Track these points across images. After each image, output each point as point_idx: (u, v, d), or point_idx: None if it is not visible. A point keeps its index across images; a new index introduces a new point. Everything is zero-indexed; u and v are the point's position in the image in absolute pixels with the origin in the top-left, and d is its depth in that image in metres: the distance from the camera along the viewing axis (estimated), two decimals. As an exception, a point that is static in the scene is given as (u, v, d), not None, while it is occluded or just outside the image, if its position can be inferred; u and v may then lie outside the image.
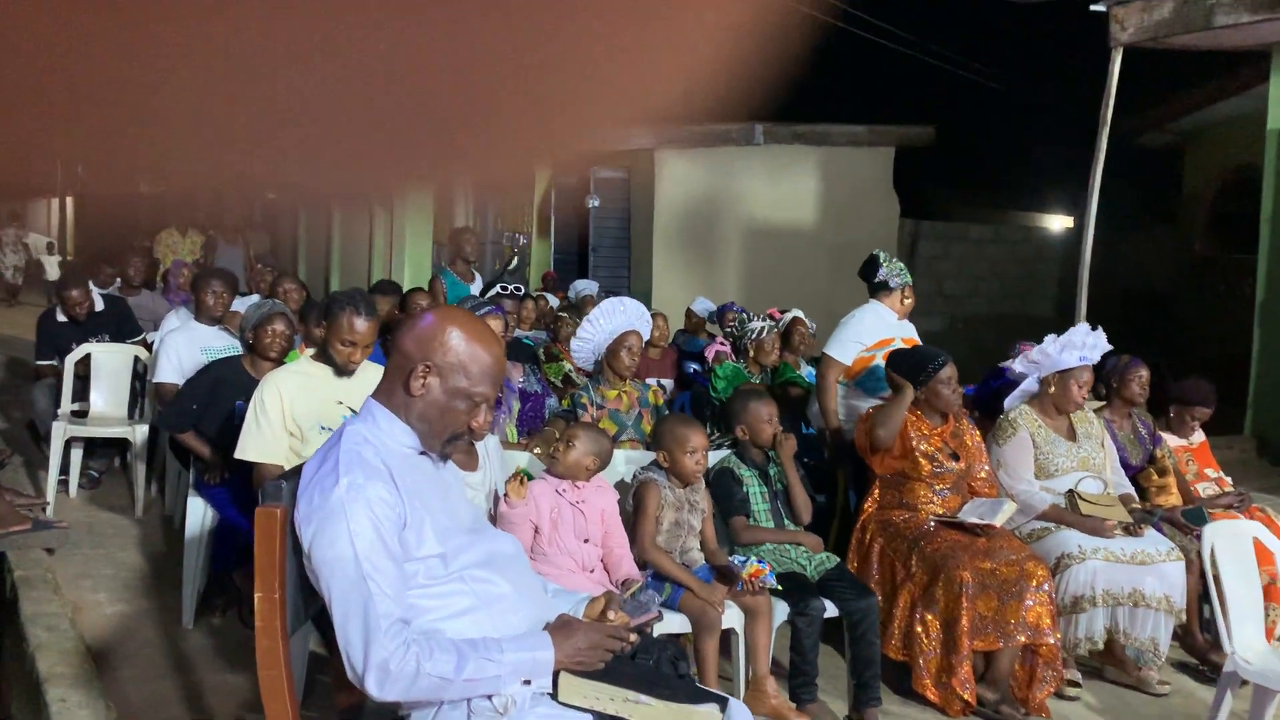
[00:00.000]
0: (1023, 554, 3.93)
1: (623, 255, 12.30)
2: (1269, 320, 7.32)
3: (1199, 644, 4.40)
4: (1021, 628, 3.82)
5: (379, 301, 4.91)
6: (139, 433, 5.54)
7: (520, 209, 15.44)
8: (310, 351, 3.81)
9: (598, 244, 12.26)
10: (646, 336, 4.51)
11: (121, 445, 5.95)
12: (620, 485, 3.61)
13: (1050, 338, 4.61)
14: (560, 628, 2.00)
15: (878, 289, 4.88)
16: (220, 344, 5.19)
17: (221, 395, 4.22)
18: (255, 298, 6.55)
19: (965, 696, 3.75)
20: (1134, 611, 4.06)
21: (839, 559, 3.75)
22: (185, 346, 5.12)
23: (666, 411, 4.52)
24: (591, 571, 3.16)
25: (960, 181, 15.83)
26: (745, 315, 5.55)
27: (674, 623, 3.19)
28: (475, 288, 6.58)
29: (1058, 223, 15.94)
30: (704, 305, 8.13)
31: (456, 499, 2.17)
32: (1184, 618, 4.19)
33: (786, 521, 3.75)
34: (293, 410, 3.63)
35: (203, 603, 4.16)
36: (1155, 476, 4.64)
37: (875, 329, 4.78)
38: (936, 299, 13.45)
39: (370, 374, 3.78)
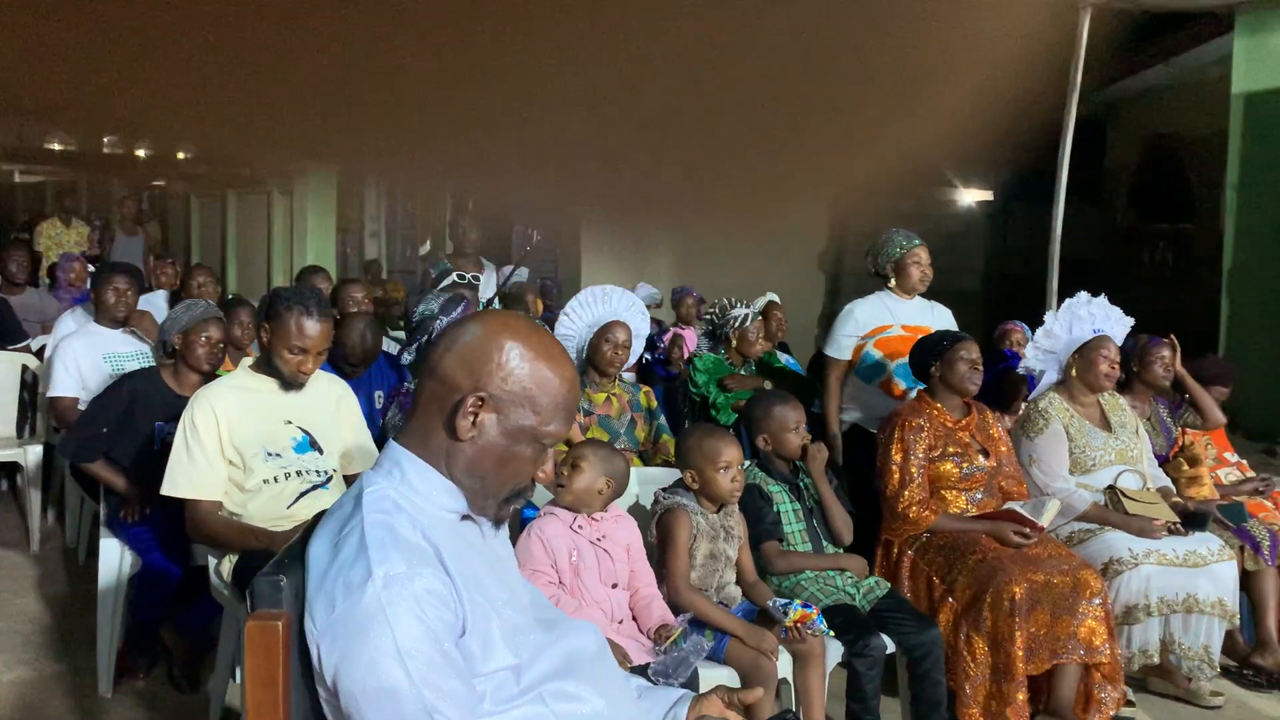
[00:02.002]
0: (1074, 562, 3.50)
1: (548, 238, 11.69)
2: (1236, 290, 7.11)
3: (1240, 646, 4.05)
4: (1076, 645, 3.39)
5: None
6: (31, 454, 4.77)
7: (434, 193, 14.69)
8: (249, 361, 3.15)
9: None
10: (641, 330, 3.95)
11: (9, 469, 5.16)
12: (632, 510, 3.06)
13: (1049, 316, 4.21)
14: None
15: (881, 280, 4.47)
16: (126, 349, 4.47)
17: (137, 415, 3.53)
18: (161, 294, 5.80)
19: (1020, 726, 3.31)
20: (1186, 618, 3.68)
21: (889, 584, 3.25)
22: (85, 353, 4.39)
23: (662, 415, 3.97)
24: (620, 623, 2.60)
25: (884, 156, 15.57)
26: (727, 302, 5.03)
27: (720, 677, 2.65)
28: (485, 285, 5.70)
29: (973, 197, 15.82)
30: (648, 292, 7.60)
31: (515, 580, 1.59)
32: (1236, 622, 3.82)
33: (825, 543, 3.24)
34: (231, 434, 2.98)
35: (121, 663, 3.48)
36: (1185, 466, 4.27)
37: (868, 318, 4.39)
38: (869, 280, 13.16)
39: (323, 387, 3.16)
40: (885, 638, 2.99)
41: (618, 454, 2.79)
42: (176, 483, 2.96)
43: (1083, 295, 4.21)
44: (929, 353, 3.79)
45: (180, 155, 22.15)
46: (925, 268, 4.42)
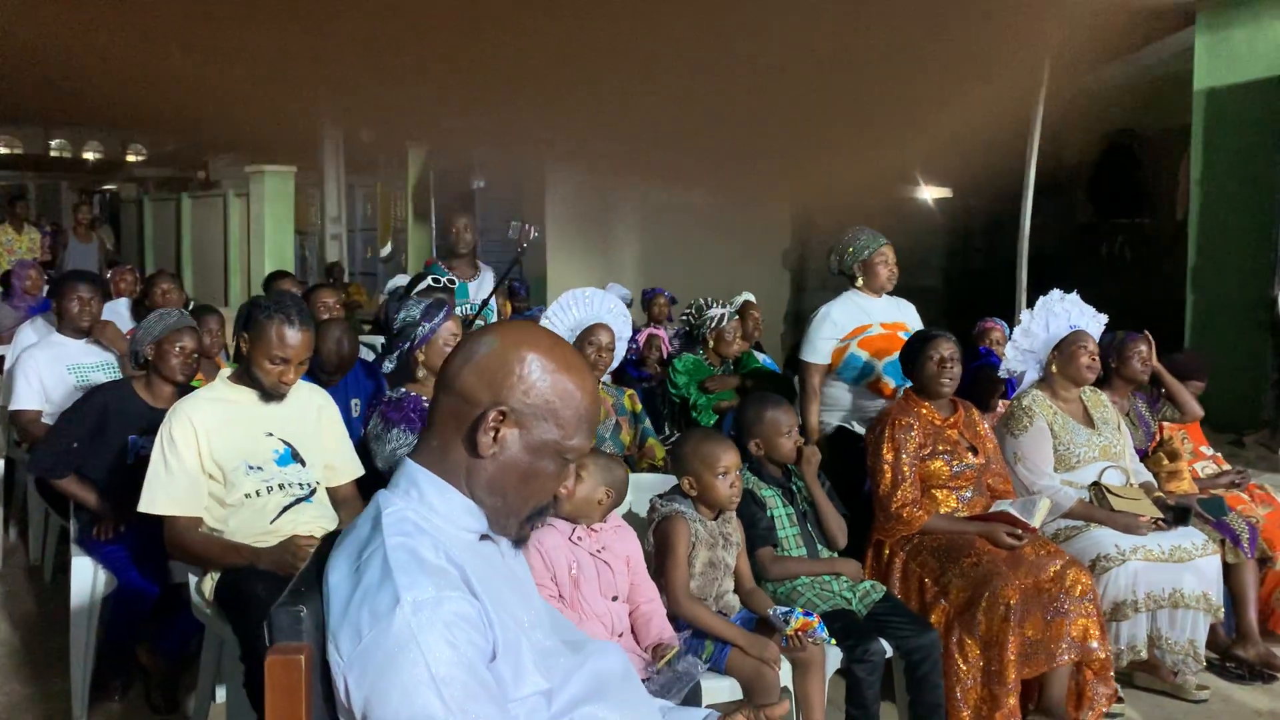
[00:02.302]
0: (1064, 560, 3.50)
1: (512, 239, 11.58)
2: (1201, 284, 7.19)
3: (1221, 639, 4.08)
4: (1069, 646, 3.39)
5: None
6: (-8, 468, 4.63)
7: (394, 194, 14.55)
8: (227, 372, 3.06)
9: (484, 227, 11.49)
10: (623, 332, 3.89)
11: (-33, 484, 4.99)
12: (625, 518, 3.00)
13: (1026, 315, 4.21)
14: None
15: (846, 280, 4.44)
16: (91, 360, 4.34)
17: (109, 429, 3.42)
18: (123, 302, 5.67)
19: (1010, 731, 3.30)
20: (1173, 613, 3.70)
21: (885, 587, 3.22)
22: (47, 365, 4.25)
23: (647, 419, 3.91)
24: (620, 635, 2.55)
25: (846, 153, 15.63)
26: (704, 302, 4.98)
27: (722, 689, 2.61)
28: (480, 287, 5.52)
29: (934, 194, 15.93)
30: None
31: (538, 602, 1.54)
32: (1221, 615, 3.85)
33: (820, 547, 3.20)
34: (211, 447, 2.89)
35: (96, 685, 3.37)
36: (1165, 461, 4.30)
37: (845, 319, 4.34)
38: (831, 277, 13.19)
39: (304, 397, 3.08)
40: (884, 642, 2.96)
41: (618, 462, 2.73)
42: (155, 499, 2.86)
43: (1056, 293, 4.21)
44: (906, 353, 3.78)
45: (131, 158, 21.75)
46: (893, 266, 4.42)
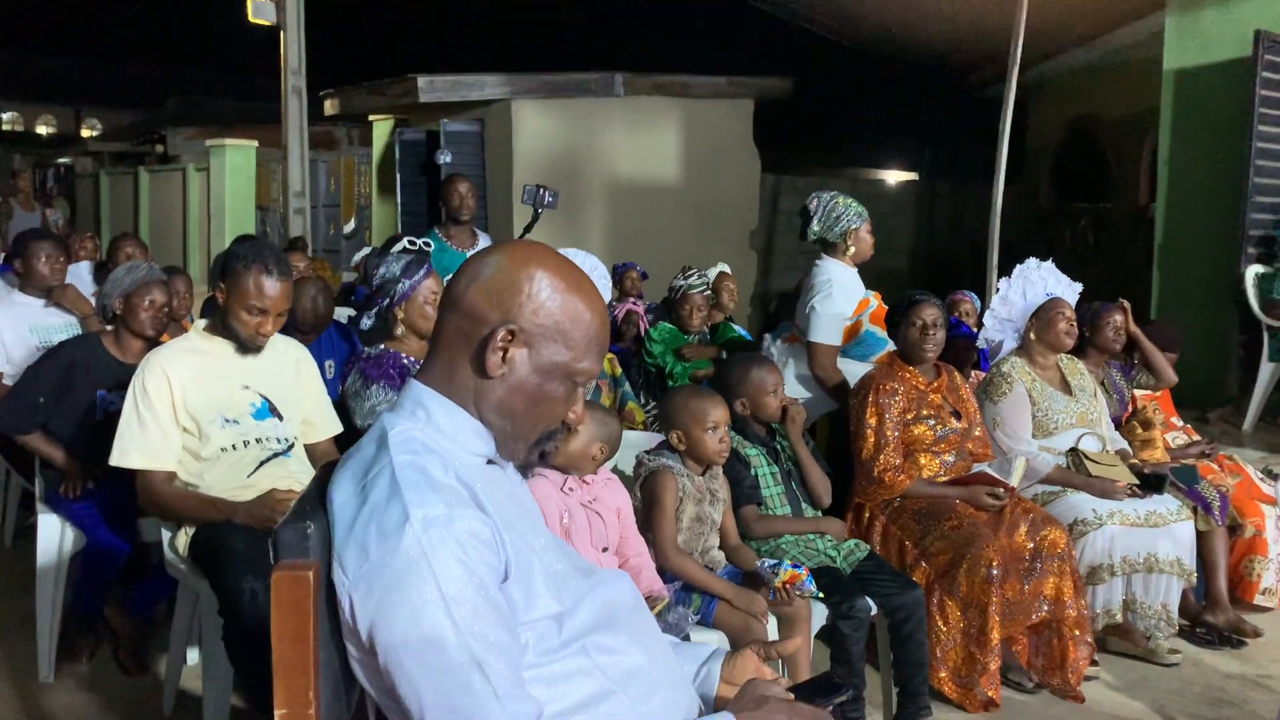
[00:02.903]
0: (1040, 518, 3.52)
1: (479, 213, 11.48)
2: (1168, 263, 7.27)
3: (1192, 605, 4.12)
4: (1041, 603, 3.42)
5: None
6: (-53, 432, 4.49)
7: (358, 166, 14.35)
8: (202, 323, 2.98)
9: (451, 205, 11.36)
10: (604, 295, 3.84)
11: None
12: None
13: (1004, 283, 4.23)
14: (751, 711, 1.36)
15: (825, 246, 4.27)
16: (55, 321, 4.22)
17: (76, 384, 3.33)
18: (85, 265, 5.52)
19: (990, 694, 3.32)
20: (1147, 577, 3.73)
21: (869, 546, 3.21)
22: (8, 325, 4.13)
23: (626, 382, 3.87)
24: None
25: (813, 138, 15.69)
26: (682, 272, 4.94)
27: (709, 641, 2.58)
28: None
29: (901, 177, 16.02)
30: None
31: (545, 529, 1.49)
32: (1194, 580, 3.89)
33: (805, 506, 3.19)
34: (185, 399, 2.81)
35: (63, 646, 3.28)
36: (1140, 430, 4.33)
37: (848, 296, 4.16)
38: (799, 256, 13.24)
39: (281, 350, 3.01)
40: (868, 600, 2.95)
41: (613, 417, 2.69)
42: (127, 452, 2.78)
43: (1033, 261, 4.23)
44: (891, 318, 3.77)
45: (87, 132, 21.36)
46: (872, 239, 4.34)
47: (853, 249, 4.21)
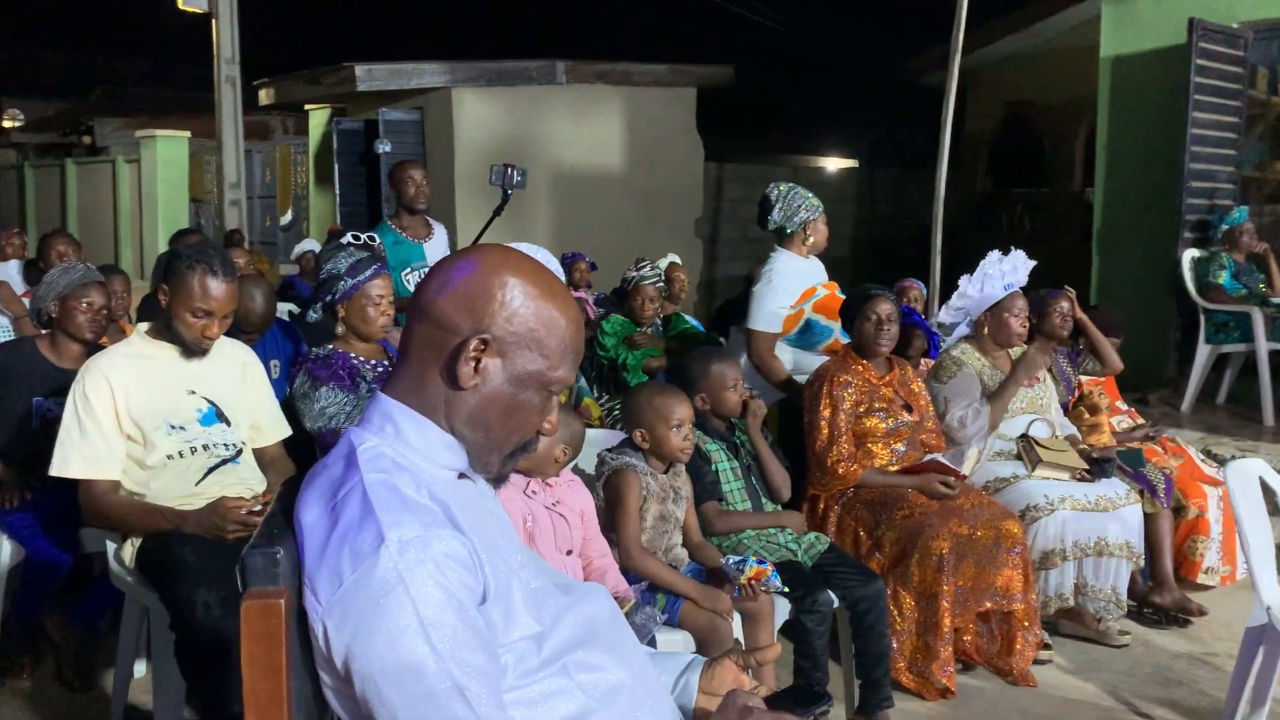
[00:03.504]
0: (996, 511, 3.56)
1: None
2: (1106, 248, 7.39)
3: (1139, 586, 4.20)
4: (991, 594, 3.45)
5: None
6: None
7: (294, 156, 14.10)
8: (145, 326, 2.88)
9: (391, 195, 11.20)
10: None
11: None
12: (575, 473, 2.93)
13: (964, 279, 4.24)
14: None
15: (781, 236, 4.29)
16: (-16, 324, 4.07)
17: (10, 390, 3.21)
18: (14, 265, 5.35)
19: (945, 682, 3.35)
20: (1097, 561, 3.79)
21: (829, 539, 3.21)
22: (-65, 328, 3.98)
23: (581, 378, 3.83)
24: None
25: (756, 126, 15.72)
26: (637, 263, 4.88)
27: (675, 642, 2.56)
28: (436, 247, 4.85)
29: (842, 164, 16.12)
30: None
31: (520, 542, 1.45)
32: (1142, 563, 3.96)
33: (765, 500, 3.18)
34: (129, 406, 2.72)
35: (3, 661, 3.17)
36: (1087, 415, 4.39)
37: (793, 285, 4.18)
38: (743, 244, 13.29)
39: (228, 353, 2.92)
40: (830, 593, 2.95)
41: (576, 418, 2.65)
42: (68, 461, 2.68)
43: (994, 255, 4.23)
44: (846, 312, 3.77)
45: (8, 123, 20.69)
46: (827, 230, 4.38)
47: (811, 239, 4.26)
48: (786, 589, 2.78)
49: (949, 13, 6.76)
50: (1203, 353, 6.25)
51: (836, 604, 2.99)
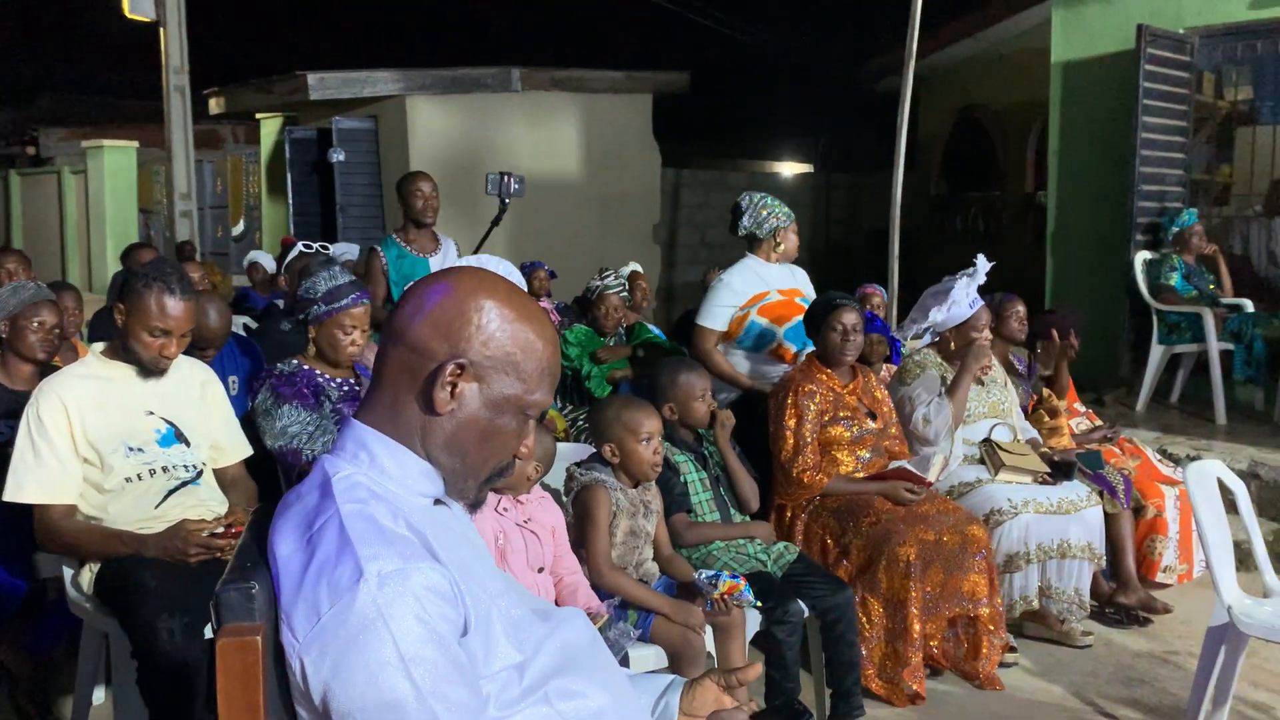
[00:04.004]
0: (960, 516, 3.58)
1: (375, 213, 11.26)
2: (1059, 251, 7.48)
3: (1101, 587, 4.25)
4: (957, 600, 3.48)
5: None
6: None
7: (246, 166, 13.92)
8: (100, 346, 2.82)
9: (345, 202, 11.10)
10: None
11: None
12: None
13: (929, 298, 4.24)
14: None
15: (750, 242, 4.35)
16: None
17: (-40, 413, 3.12)
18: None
19: (915, 687, 3.36)
20: (1061, 563, 3.83)
21: (798, 549, 3.21)
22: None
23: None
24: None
25: (711, 132, 15.77)
26: (599, 273, 4.88)
27: (647, 658, 2.55)
28: (444, 262, 4.63)
29: (797, 169, 16.23)
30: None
31: (497, 567, 1.43)
32: (1104, 564, 4.01)
33: (733, 511, 3.17)
34: (85, 428, 2.66)
35: (-45, 692, 3.08)
36: (1047, 418, 4.44)
37: (744, 287, 4.28)
38: (700, 249, 13.33)
39: (186, 373, 2.87)
40: (800, 603, 2.95)
41: (548, 435, 2.63)
42: (22, 486, 2.61)
43: (962, 282, 4.19)
44: (810, 321, 3.79)
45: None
46: (798, 239, 4.45)
47: (782, 246, 4.34)
48: (759, 603, 2.78)
49: (902, 19, 6.84)
50: (1156, 353, 6.34)
51: (807, 614, 2.98)
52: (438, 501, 1.35)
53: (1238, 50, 7.03)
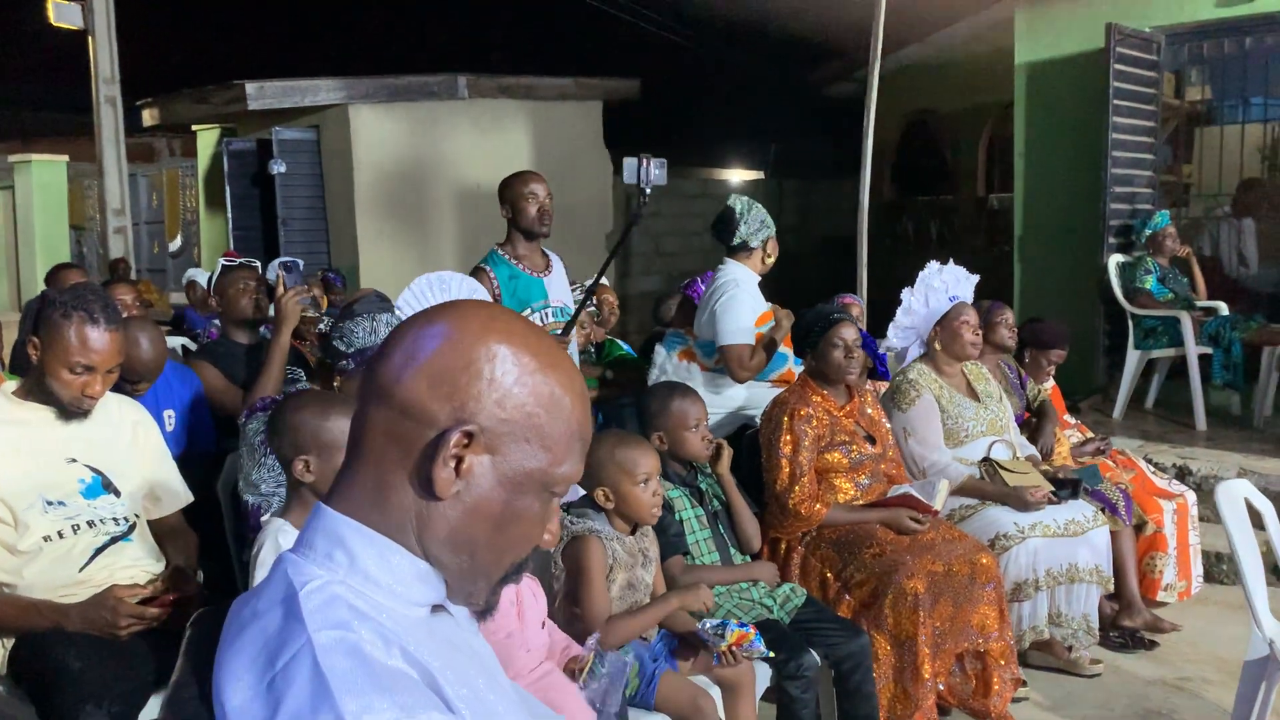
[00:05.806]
0: (968, 545, 3.33)
1: (318, 226, 10.87)
2: (1028, 255, 7.33)
3: (1105, 610, 4.03)
4: (968, 633, 3.22)
5: None
6: None
7: (182, 179, 13.43)
8: (12, 386, 2.46)
9: (287, 215, 10.70)
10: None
11: None
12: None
13: (906, 294, 4.04)
14: None
15: (736, 249, 4.04)
16: None
17: None
18: None
19: (927, 732, 3.11)
20: (1069, 588, 3.61)
21: (805, 590, 2.93)
22: None
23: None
24: (541, 664, 2.14)
25: (662, 139, 15.54)
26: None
27: (651, 726, 2.25)
28: (555, 283, 3.86)
29: (748, 176, 16.05)
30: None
31: (505, 681, 1.12)
32: (1111, 587, 3.79)
33: (734, 551, 2.88)
34: (-5, 480, 2.30)
35: None
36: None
37: (755, 302, 3.98)
38: (655, 258, 13.10)
39: (114, 413, 2.52)
40: (814, 655, 2.67)
41: None
42: (-79, 551, 2.26)
43: (934, 265, 4.06)
44: (804, 338, 3.51)
45: None
46: (774, 256, 4.18)
47: (771, 257, 4.09)
48: (772, 652, 2.48)
49: (854, 27, 6.66)
50: (1132, 359, 6.18)
51: (819, 664, 2.70)
52: (438, 608, 1.04)
53: (1203, 49, 6.93)
